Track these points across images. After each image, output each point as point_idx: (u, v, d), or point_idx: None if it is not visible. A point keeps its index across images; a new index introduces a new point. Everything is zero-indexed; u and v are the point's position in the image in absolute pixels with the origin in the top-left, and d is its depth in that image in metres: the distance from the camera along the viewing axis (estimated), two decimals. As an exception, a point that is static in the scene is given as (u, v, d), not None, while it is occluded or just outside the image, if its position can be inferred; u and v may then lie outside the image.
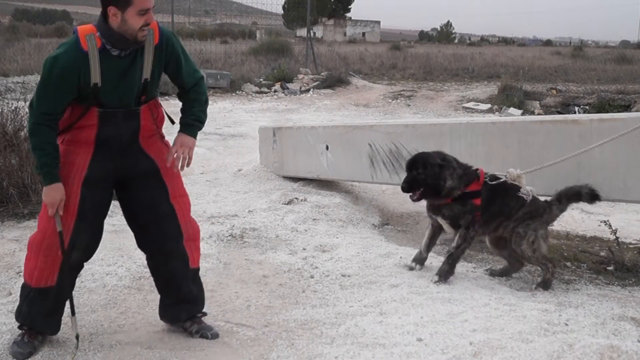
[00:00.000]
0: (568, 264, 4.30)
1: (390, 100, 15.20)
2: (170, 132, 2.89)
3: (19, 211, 4.84)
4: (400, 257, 4.11)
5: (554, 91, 15.05)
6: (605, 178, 3.88)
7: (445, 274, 3.65)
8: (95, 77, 2.58)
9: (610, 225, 4.27)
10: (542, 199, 3.81)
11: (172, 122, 2.98)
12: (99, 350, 2.86)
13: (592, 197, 3.69)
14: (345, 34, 70.24)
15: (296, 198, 5.59)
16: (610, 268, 4.15)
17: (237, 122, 11.10)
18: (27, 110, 5.51)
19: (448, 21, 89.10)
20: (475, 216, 3.61)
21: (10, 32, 30.62)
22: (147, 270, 3.08)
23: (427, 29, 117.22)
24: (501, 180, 3.71)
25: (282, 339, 2.96)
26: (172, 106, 3.77)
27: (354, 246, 4.40)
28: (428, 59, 26.63)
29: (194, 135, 2.86)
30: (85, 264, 2.88)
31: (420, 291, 3.49)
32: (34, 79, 14.55)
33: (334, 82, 17.27)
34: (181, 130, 2.84)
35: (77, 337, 2.82)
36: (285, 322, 3.17)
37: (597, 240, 4.95)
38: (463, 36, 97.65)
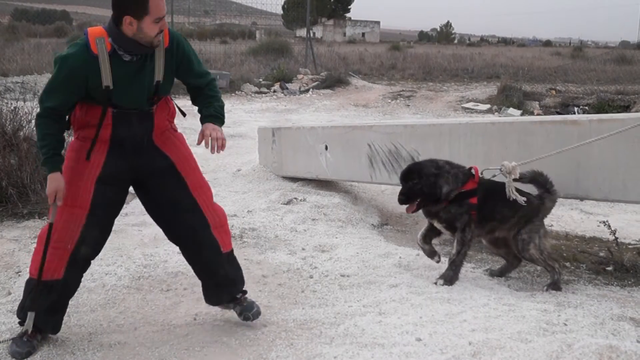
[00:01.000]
0: (567, 264, 4.31)
1: (389, 101, 15.20)
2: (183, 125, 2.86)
3: (18, 211, 4.84)
4: (400, 257, 4.11)
5: (554, 92, 15.05)
6: (604, 178, 3.88)
7: (450, 279, 3.63)
8: (107, 80, 2.63)
9: (609, 226, 4.27)
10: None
11: (183, 114, 3.01)
12: (98, 349, 2.86)
13: None
14: (344, 34, 70.24)
15: (295, 198, 5.60)
16: (610, 268, 4.15)
17: (237, 122, 11.10)
18: (26, 110, 5.54)
19: (448, 21, 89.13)
20: (471, 216, 3.59)
21: (9, 32, 30.61)
22: (146, 270, 3.09)
23: (426, 29, 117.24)
24: (495, 175, 3.68)
25: (281, 339, 2.96)
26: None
27: (353, 246, 4.40)
28: (427, 59, 26.64)
29: (219, 125, 2.84)
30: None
31: (419, 291, 3.49)
32: (33, 79, 14.56)
33: (333, 82, 17.26)
34: (206, 121, 2.83)
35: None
36: (284, 321, 3.17)
37: (597, 240, 4.96)
38: (463, 36, 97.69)
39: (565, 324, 2.96)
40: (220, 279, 3.03)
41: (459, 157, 4.16)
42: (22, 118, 5.44)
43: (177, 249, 3.31)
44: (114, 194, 2.80)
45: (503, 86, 14.52)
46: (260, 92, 16.19)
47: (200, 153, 3.56)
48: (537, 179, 3.74)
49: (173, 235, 2.99)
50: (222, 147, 2.78)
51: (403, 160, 4.95)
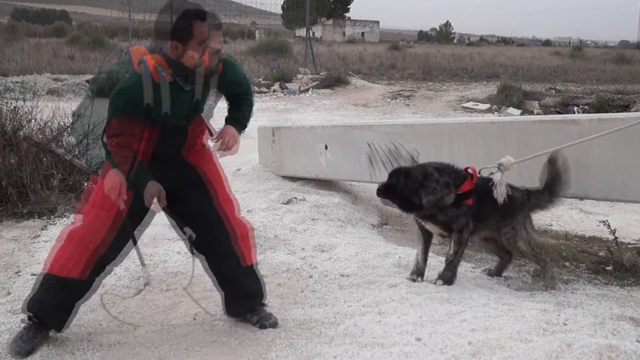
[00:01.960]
0: (567, 264, 4.31)
1: (389, 100, 15.20)
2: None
3: (17, 211, 4.83)
4: (399, 257, 4.11)
5: (553, 91, 15.06)
6: (604, 178, 3.88)
7: (449, 279, 3.61)
8: (166, 106, 2.71)
9: (609, 225, 4.27)
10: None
11: (211, 134, 3.05)
12: (97, 349, 2.86)
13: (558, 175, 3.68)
14: (344, 34, 70.21)
15: (295, 198, 5.59)
16: (609, 268, 4.15)
17: (236, 122, 11.08)
18: (25, 110, 5.54)
19: (447, 21, 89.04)
20: (468, 217, 3.57)
21: (9, 32, 30.65)
22: (146, 270, 3.08)
23: (426, 29, 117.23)
24: (493, 173, 3.62)
25: (280, 339, 2.96)
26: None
27: (352, 246, 4.40)
28: (427, 59, 26.65)
29: (239, 131, 2.97)
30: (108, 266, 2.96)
31: (419, 291, 3.49)
32: (33, 79, 14.56)
33: (333, 82, 17.27)
34: (228, 123, 2.96)
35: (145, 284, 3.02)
36: (284, 321, 3.17)
37: (596, 240, 4.96)
38: (462, 36, 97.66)
39: (565, 324, 2.96)
40: (239, 291, 3.09)
41: (459, 156, 4.16)
42: (22, 118, 5.44)
43: (176, 249, 3.33)
44: (140, 201, 2.82)
45: (503, 86, 14.53)
46: (260, 92, 16.19)
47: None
48: (550, 183, 3.70)
49: (199, 245, 3.03)
50: (230, 150, 2.94)
51: (403, 159, 4.95)
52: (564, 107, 13.25)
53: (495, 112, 13.05)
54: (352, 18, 78.91)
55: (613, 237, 4.25)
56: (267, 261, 4.10)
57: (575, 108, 13.01)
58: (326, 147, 5.77)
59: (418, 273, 3.71)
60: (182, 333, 3.06)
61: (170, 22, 2.62)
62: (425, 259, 3.74)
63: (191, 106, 2.82)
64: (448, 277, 3.61)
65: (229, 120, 2.97)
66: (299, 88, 16.84)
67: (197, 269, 3.87)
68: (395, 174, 3.60)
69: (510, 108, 13.16)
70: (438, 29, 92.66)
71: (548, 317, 3.04)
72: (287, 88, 16.64)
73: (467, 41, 75.34)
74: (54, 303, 2.84)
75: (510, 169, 3.62)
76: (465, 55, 29.29)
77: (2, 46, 22.26)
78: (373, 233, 5.02)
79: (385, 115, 13.33)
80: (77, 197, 5.13)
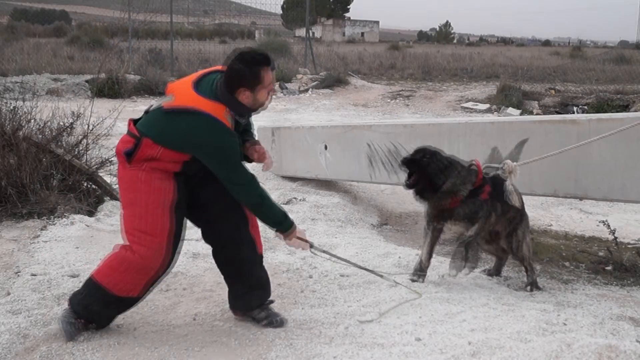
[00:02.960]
0: (566, 263, 4.31)
1: (389, 100, 15.20)
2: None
3: (17, 211, 4.83)
4: (399, 257, 4.11)
5: (553, 91, 15.06)
6: (603, 178, 3.88)
7: (457, 267, 3.53)
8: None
9: (608, 225, 4.27)
10: (541, 199, 3.80)
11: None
12: (97, 349, 2.86)
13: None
14: (344, 34, 70.20)
15: (295, 198, 5.60)
16: (609, 268, 4.15)
17: (236, 122, 11.08)
18: (25, 110, 5.53)
19: (447, 21, 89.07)
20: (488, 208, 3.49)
21: (8, 32, 30.63)
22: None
23: (425, 29, 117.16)
24: (499, 172, 3.60)
25: (280, 339, 2.96)
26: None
27: (352, 246, 4.40)
28: (427, 59, 26.65)
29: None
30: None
31: (418, 291, 3.49)
32: (32, 79, 14.55)
33: (332, 82, 17.27)
34: (251, 142, 3.16)
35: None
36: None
37: (596, 240, 4.96)
38: (462, 36, 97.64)
39: (565, 324, 2.96)
40: (254, 280, 3.11)
41: (458, 156, 4.15)
42: (22, 118, 5.43)
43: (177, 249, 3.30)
44: (182, 217, 2.94)
45: (502, 86, 14.53)
46: (260, 92, 16.16)
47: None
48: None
49: (213, 233, 3.07)
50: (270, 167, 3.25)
51: (402, 160, 4.95)
52: (564, 107, 13.26)
53: (495, 112, 13.05)
54: (351, 18, 78.93)
55: (613, 237, 4.25)
56: (267, 261, 4.07)
57: (575, 108, 13.02)
58: (326, 148, 5.77)
59: (420, 273, 3.68)
60: (182, 333, 3.06)
61: (241, 70, 2.76)
62: (429, 259, 3.69)
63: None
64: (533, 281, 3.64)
65: (250, 137, 3.15)
66: (299, 88, 16.84)
67: (196, 269, 3.89)
68: (422, 152, 3.55)
69: (510, 108, 13.16)
70: (438, 29, 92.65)
71: (548, 317, 3.04)
72: (286, 88, 16.64)
73: (467, 41, 75.32)
74: (106, 314, 2.99)
75: (514, 172, 3.56)
76: (465, 55, 29.30)
77: (1, 46, 22.24)
78: (373, 233, 5.02)
79: (385, 115, 13.33)
80: (76, 197, 5.13)
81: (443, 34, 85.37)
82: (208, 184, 2.97)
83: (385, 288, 3.57)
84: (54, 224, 4.67)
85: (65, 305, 3.08)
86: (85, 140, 5.60)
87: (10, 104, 5.46)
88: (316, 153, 5.87)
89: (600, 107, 12.50)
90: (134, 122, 2.89)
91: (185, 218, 2.98)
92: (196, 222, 3.10)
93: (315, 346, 2.87)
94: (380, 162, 5.18)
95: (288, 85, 16.99)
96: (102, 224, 4.82)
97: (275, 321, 3.10)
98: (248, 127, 3.14)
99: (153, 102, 3.02)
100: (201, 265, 3.91)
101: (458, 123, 4.77)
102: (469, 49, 40.70)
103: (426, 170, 3.47)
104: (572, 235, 5.15)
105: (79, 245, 4.26)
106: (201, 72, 2.93)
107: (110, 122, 5.67)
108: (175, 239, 2.91)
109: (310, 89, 16.75)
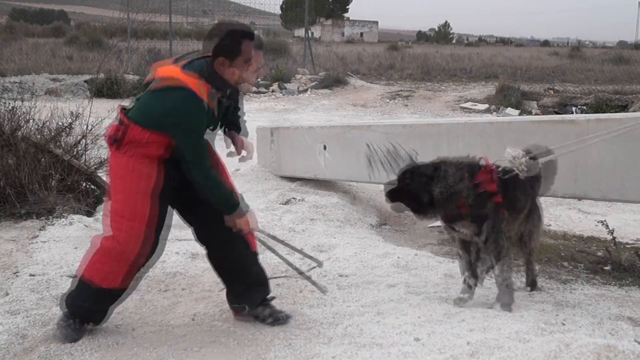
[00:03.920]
0: (565, 263, 4.31)
1: (388, 101, 15.20)
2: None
3: (16, 211, 4.82)
4: (398, 257, 4.11)
5: (552, 91, 15.08)
6: (602, 178, 3.88)
7: (507, 305, 3.18)
8: (210, 122, 2.87)
9: (607, 225, 4.28)
10: (542, 199, 3.76)
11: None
12: (96, 350, 2.85)
13: None
14: (343, 34, 70.20)
15: (294, 198, 5.59)
16: (607, 268, 4.15)
17: (235, 122, 11.08)
18: (24, 110, 5.53)
19: (446, 21, 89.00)
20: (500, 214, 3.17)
21: (7, 32, 30.61)
22: (144, 270, 3.08)
23: (425, 29, 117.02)
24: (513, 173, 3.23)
25: (279, 339, 2.96)
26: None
27: (351, 246, 4.40)
28: (426, 59, 26.65)
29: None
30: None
31: (417, 291, 3.49)
32: (31, 79, 14.55)
33: (331, 82, 17.27)
34: (241, 134, 3.19)
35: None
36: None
37: (594, 240, 4.96)
38: (461, 36, 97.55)
39: (563, 324, 2.96)
40: (253, 277, 3.11)
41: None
42: (20, 118, 5.43)
43: (175, 249, 3.33)
44: (166, 205, 2.92)
45: (501, 86, 14.54)
46: (259, 92, 16.18)
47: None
48: None
49: (206, 233, 3.06)
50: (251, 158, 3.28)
51: (401, 160, 4.94)
52: (563, 107, 13.27)
53: (494, 113, 13.06)
54: (350, 18, 78.92)
55: (611, 237, 4.26)
56: (265, 261, 4.08)
57: (574, 108, 13.03)
58: (325, 148, 5.77)
59: (468, 291, 3.29)
60: (181, 333, 3.06)
61: (221, 40, 2.74)
62: (473, 275, 3.28)
63: (222, 117, 3.00)
64: (506, 296, 3.20)
65: (236, 129, 3.16)
66: (298, 88, 16.84)
67: (195, 269, 3.89)
68: (402, 175, 3.22)
69: (509, 108, 13.17)
70: (437, 29, 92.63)
71: (546, 317, 3.05)
72: (285, 88, 16.64)
73: (466, 41, 75.32)
74: (96, 309, 2.97)
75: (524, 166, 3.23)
76: (464, 55, 29.31)
77: (0, 46, 22.23)
78: (372, 233, 5.02)
79: (384, 115, 13.33)
80: (75, 197, 5.12)
81: (442, 34, 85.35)
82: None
83: (384, 288, 3.57)
84: (53, 224, 4.66)
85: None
86: (84, 141, 5.60)
87: (9, 104, 5.46)
88: (315, 153, 5.86)
89: (599, 107, 12.51)
90: (125, 110, 2.90)
91: (169, 206, 2.97)
92: (189, 222, 3.09)
93: (314, 346, 2.86)
94: (379, 162, 5.18)
95: (287, 85, 16.99)
96: (101, 224, 4.81)
97: (280, 317, 3.11)
98: (236, 119, 3.14)
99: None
100: (200, 266, 3.90)
101: (457, 123, 4.78)
102: (467, 49, 40.71)
103: (408, 195, 3.17)
104: (571, 235, 5.15)
105: (78, 245, 4.25)
106: (186, 53, 2.97)
107: (109, 122, 5.65)
108: (158, 226, 2.88)
109: (309, 89, 16.75)
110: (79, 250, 4.20)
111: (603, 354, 2.51)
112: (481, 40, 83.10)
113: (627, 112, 10.91)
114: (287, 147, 6.27)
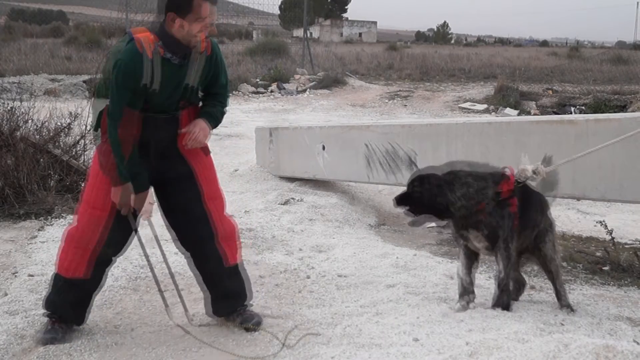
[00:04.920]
0: (564, 264, 4.31)
1: (386, 101, 15.21)
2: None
3: (14, 211, 4.83)
4: (397, 258, 4.11)
5: (550, 92, 15.09)
6: (601, 178, 3.89)
7: (505, 304, 3.13)
8: (156, 83, 2.69)
9: (606, 226, 4.28)
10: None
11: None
12: (95, 350, 2.85)
13: None
14: (341, 35, 70.17)
15: (292, 198, 5.59)
16: (606, 268, 4.15)
17: (234, 122, 11.08)
18: (22, 110, 5.53)
19: (444, 22, 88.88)
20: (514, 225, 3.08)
21: (6, 32, 30.56)
22: (143, 270, 3.10)
23: (423, 29, 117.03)
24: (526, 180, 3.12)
25: (278, 339, 2.95)
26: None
27: (350, 246, 4.40)
28: (424, 59, 26.63)
29: (210, 126, 2.91)
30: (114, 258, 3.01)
31: (416, 291, 3.49)
32: (30, 79, 14.53)
33: (330, 82, 17.28)
34: (202, 117, 2.91)
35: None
36: (282, 322, 3.16)
37: (593, 240, 4.96)
38: (459, 37, 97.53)
39: (562, 324, 2.96)
40: (221, 291, 3.09)
41: (456, 157, 4.16)
42: (19, 118, 5.43)
43: (174, 249, 3.32)
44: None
45: (500, 86, 14.56)
46: (258, 92, 16.18)
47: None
48: None
49: (182, 241, 3.05)
50: (196, 142, 2.87)
51: (400, 160, 4.96)
52: (561, 107, 13.29)
53: (493, 113, 13.07)
54: (349, 18, 78.88)
55: (610, 237, 4.26)
56: (264, 262, 4.10)
57: (572, 108, 13.05)
58: (324, 148, 5.77)
59: (467, 295, 3.21)
60: (180, 334, 3.05)
61: None
62: (469, 275, 3.21)
63: (182, 89, 2.79)
64: (503, 301, 3.12)
65: (202, 114, 2.91)
66: (297, 88, 16.84)
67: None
68: (412, 182, 3.11)
69: (508, 108, 13.19)
70: (435, 29, 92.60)
71: (545, 317, 3.05)
72: (284, 88, 16.64)
73: (465, 42, 75.33)
74: (68, 301, 2.92)
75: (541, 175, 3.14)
76: (463, 55, 29.30)
77: (-1, 46, 22.22)
78: (371, 233, 5.02)
79: (383, 115, 13.33)
80: (74, 197, 5.12)
81: (441, 35, 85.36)
82: (180, 192, 2.94)
83: (383, 288, 3.57)
84: (52, 225, 4.66)
85: None
86: (82, 141, 5.60)
87: (8, 104, 5.46)
88: (314, 153, 5.87)
89: (597, 107, 12.53)
90: None
91: (158, 205, 2.95)
92: (171, 227, 3.05)
93: (313, 346, 2.86)
94: (378, 163, 5.18)
95: (286, 85, 16.99)
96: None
97: (250, 325, 3.06)
98: (214, 112, 2.94)
99: None
100: (187, 264, 3.89)
101: (456, 123, 4.78)
102: (466, 50, 40.70)
103: (421, 203, 3.06)
104: (570, 235, 5.15)
105: (77, 245, 4.25)
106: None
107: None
108: (124, 217, 2.84)
109: (308, 90, 16.75)
110: (78, 250, 4.20)
111: (602, 354, 2.51)
112: (480, 41, 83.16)
113: (625, 112, 10.92)
114: (286, 147, 6.27)
